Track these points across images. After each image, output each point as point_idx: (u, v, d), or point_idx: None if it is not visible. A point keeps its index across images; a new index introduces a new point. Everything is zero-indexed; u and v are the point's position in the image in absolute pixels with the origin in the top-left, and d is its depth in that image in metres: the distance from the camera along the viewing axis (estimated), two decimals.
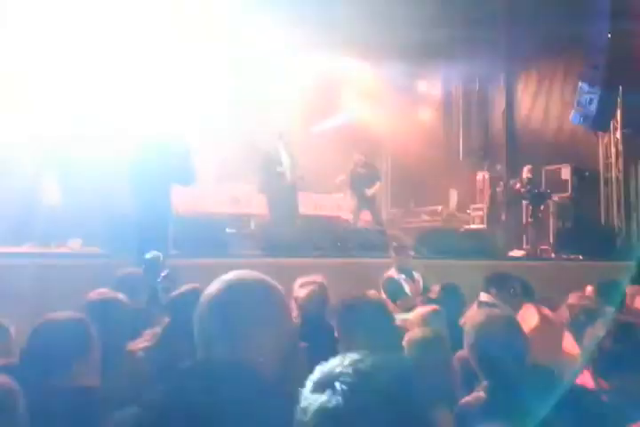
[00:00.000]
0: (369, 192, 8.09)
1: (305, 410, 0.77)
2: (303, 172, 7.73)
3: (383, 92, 11.62)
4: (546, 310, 2.31)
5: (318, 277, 3.19)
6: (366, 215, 8.61)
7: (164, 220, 4.00)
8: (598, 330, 1.87)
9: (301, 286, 3.13)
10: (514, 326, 1.81)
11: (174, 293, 2.68)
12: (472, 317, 1.90)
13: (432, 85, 12.60)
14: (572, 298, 2.60)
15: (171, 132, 4.09)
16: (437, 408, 1.60)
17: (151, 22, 5.08)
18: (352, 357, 0.81)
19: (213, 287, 1.22)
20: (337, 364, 0.80)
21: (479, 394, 1.72)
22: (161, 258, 3.69)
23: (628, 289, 3.45)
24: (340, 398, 0.74)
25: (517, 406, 1.57)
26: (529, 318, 2.09)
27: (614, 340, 1.80)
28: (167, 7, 5.33)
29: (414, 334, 2.35)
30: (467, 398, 1.74)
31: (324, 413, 0.74)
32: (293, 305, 3.11)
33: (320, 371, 0.80)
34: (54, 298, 2.61)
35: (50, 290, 3.17)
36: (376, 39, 10.18)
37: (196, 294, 2.60)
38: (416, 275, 5.10)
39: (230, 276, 1.23)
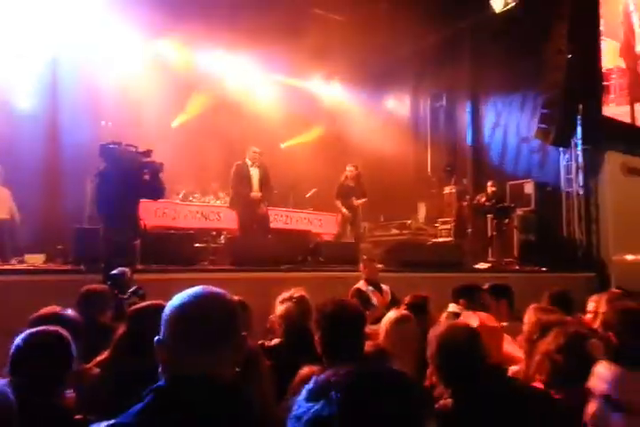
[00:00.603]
0: (356, 202, 8.04)
1: (299, 418, 0.77)
2: (275, 187, 7.75)
3: (353, 110, 11.84)
4: (484, 316, 2.38)
5: (299, 291, 3.17)
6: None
7: (132, 235, 3.94)
8: (551, 341, 1.93)
9: (282, 302, 3.11)
10: (473, 336, 1.86)
11: (135, 306, 2.62)
12: (434, 328, 1.95)
13: (401, 103, 12.87)
14: (530, 311, 2.67)
15: (141, 147, 4.07)
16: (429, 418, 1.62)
17: None
18: (348, 366, 0.81)
19: (176, 302, 1.21)
20: (332, 373, 0.80)
21: (447, 401, 1.76)
22: (128, 273, 3.62)
23: (590, 298, 3.55)
24: (334, 408, 0.74)
25: (483, 411, 1.61)
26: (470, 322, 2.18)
27: (565, 352, 1.86)
28: None
29: (390, 314, 2.62)
30: (437, 406, 1.77)
31: (317, 421, 0.74)
32: (276, 321, 3.10)
33: (315, 380, 0.80)
34: (16, 316, 2.52)
35: (11, 308, 3.06)
36: (345, 60, 10.42)
37: (157, 309, 2.57)
38: (385, 287, 5.15)
39: (191, 291, 1.23)
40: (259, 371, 1.97)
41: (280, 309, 3.04)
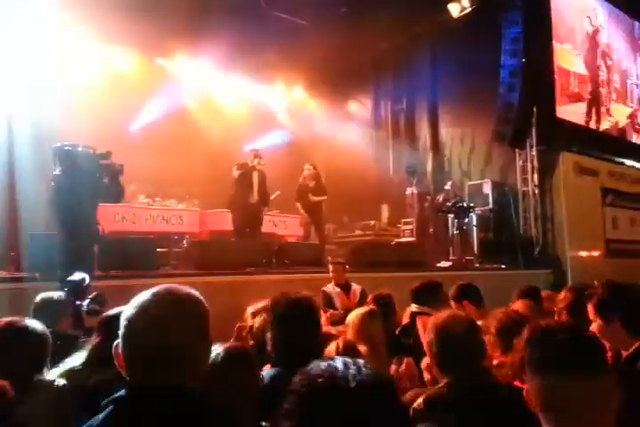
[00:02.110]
0: (313, 198, 7.94)
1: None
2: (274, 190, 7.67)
3: (315, 113, 11.88)
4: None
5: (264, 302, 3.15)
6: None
7: (90, 240, 3.82)
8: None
9: (254, 314, 3.08)
10: (473, 327, 1.88)
11: (106, 314, 2.54)
12: (435, 317, 1.95)
13: (362, 106, 12.99)
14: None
15: (99, 150, 3.94)
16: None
17: None
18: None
19: (131, 308, 1.14)
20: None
21: (441, 390, 1.77)
22: (87, 280, 3.50)
23: (543, 294, 3.67)
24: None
25: (478, 401, 1.64)
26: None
27: (535, 346, 1.91)
28: None
29: (358, 310, 2.72)
30: (429, 393, 1.77)
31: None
32: (246, 334, 3.06)
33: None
34: None
35: None
36: (307, 64, 10.44)
37: None
38: (355, 288, 5.11)
39: (155, 289, 1.15)
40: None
41: (255, 321, 3.01)
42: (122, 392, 1.10)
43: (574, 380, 1.10)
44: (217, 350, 1.80)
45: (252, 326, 3.07)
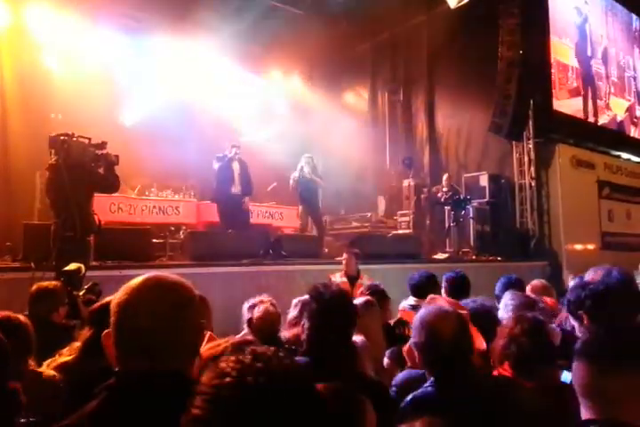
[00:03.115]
0: (315, 179, 7.78)
1: None
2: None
3: (312, 104, 11.81)
4: (452, 302, 2.44)
5: (264, 297, 3.16)
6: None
7: (86, 230, 3.79)
8: (514, 326, 1.96)
9: (251, 307, 3.08)
10: (463, 324, 1.83)
11: (96, 304, 2.52)
12: (423, 313, 1.88)
13: (359, 97, 12.93)
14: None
15: (94, 140, 3.91)
16: None
17: None
18: None
19: (121, 292, 1.12)
20: None
21: (427, 389, 1.74)
22: (82, 270, 3.48)
23: (534, 283, 3.67)
24: None
25: (467, 400, 1.61)
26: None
27: (530, 336, 1.91)
28: None
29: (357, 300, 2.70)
30: (416, 393, 1.74)
31: None
32: (246, 327, 3.07)
33: None
34: None
35: None
36: (304, 54, 10.37)
37: None
38: (363, 281, 4.98)
39: (139, 279, 1.14)
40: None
41: (254, 313, 3.05)
42: (113, 379, 1.09)
43: (628, 369, 1.11)
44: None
45: (250, 319, 3.07)
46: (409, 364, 2.20)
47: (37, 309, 3.00)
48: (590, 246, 9.99)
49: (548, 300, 3.23)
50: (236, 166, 7.15)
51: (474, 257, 8.74)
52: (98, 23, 8.69)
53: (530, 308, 2.43)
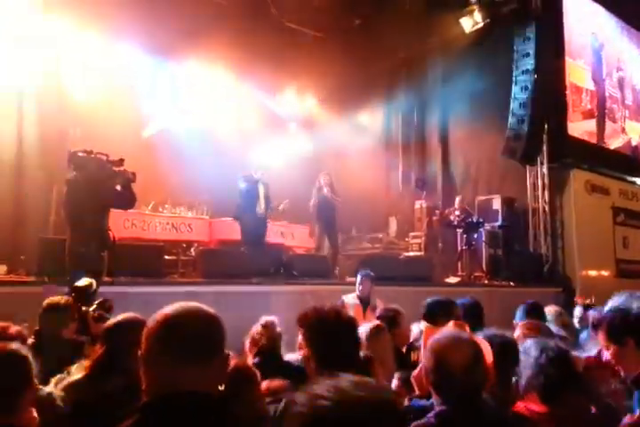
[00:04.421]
0: (334, 197, 7.82)
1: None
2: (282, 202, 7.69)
3: (325, 123, 11.94)
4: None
5: (269, 318, 3.17)
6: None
7: (100, 246, 3.83)
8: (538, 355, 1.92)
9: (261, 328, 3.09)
10: (477, 352, 1.74)
11: (110, 321, 2.53)
12: (435, 340, 1.79)
13: (373, 118, 13.03)
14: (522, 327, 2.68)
15: (112, 154, 3.98)
16: None
17: None
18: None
19: (160, 317, 1.19)
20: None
21: (429, 420, 1.66)
22: (94, 286, 3.50)
23: (553, 310, 3.61)
24: None
25: None
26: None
27: (555, 366, 1.86)
28: None
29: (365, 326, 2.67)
30: (418, 423, 1.66)
31: None
32: (249, 346, 3.05)
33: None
34: None
35: None
36: (318, 75, 10.53)
37: (133, 322, 2.49)
38: (375, 305, 4.89)
39: (175, 306, 1.22)
40: (249, 387, 1.89)
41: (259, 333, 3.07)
42: (147, 400, 1.12)
43: None
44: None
45: (259, 340, 3.04)
46: (416, 391, 2.15)
47: (48, 324, 3.01)
48: (605, 273, 9.85)
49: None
50: (261, 188, 7.29)
51: (486, 282, 8.64)
52: (118, 40, 8.91)
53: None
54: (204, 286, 5.28)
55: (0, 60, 7.38)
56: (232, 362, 1.85)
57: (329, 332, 1.84)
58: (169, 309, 1.20)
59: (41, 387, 2.15)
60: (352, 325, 1.96)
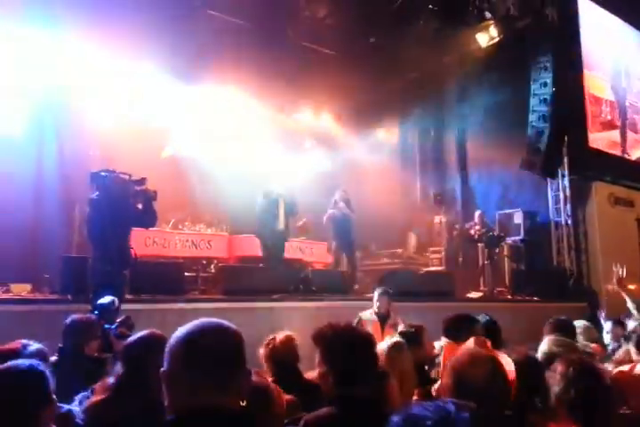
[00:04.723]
0: (350, 214, 7.83)
1: None
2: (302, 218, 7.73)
3: (342, 140, 12.03)
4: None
5: (283, 332, 3.13)
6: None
7: (122, 263, 3.90)
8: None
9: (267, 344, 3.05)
10: (496, 368, 1.72)
11: (130, 339, 2.55)
12: (454, 357, 1.78)
13: (389, 134, 13.09)
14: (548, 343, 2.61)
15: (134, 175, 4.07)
16: None
17: None
18: None
19: (182, 333, 1.20)
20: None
21: None
22: (116, 303, 3.55)
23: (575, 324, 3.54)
24: None
25: None
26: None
27: (584, 380, 1.82)
28: None
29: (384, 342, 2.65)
30: None
31: None
32: (266, 362, 3.04)
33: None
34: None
35: None
36: (334, 92, 10.64)
37: (153, 339, 2.52)
38: (394, 321, 4.89)
39: (196, 322, 1.23)
40: (269, 402, 1.89)
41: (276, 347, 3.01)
42: (171, 416, 1.13)
43: None
44: None
45: (277, 356, 3.03)
46: None
47: (71, 341, 3.06)
48: (631, 287, 9.59)
49: (593, 345, 3.08)
50: (281, 203, 7.30)
51: (509, 297, 8.51)
52: (137, 62, 9.15)
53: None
54: (223, 303, 5.30)
55: (20, 82, 7.62)
56: (253, 378, 1.87)
57: (345, 348, 1.84)
58: (190, 325, 1.21)
59: (61, 405, 2.18)
60: (368, 341, 1.95)
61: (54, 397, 1.78)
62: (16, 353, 2.22)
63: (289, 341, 3.03)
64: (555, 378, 1.89)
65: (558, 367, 1.92)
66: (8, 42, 7.37)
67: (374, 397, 1.78)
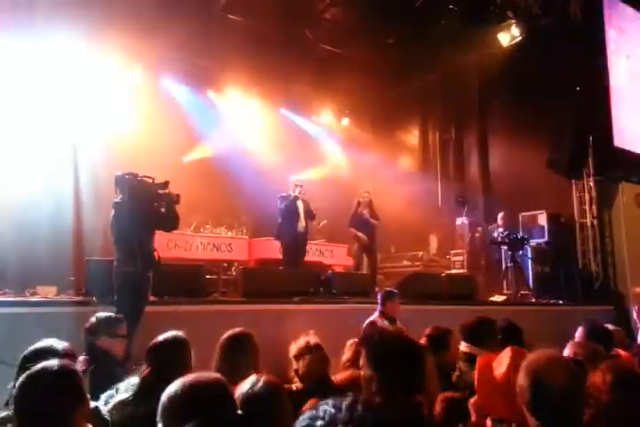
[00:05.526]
0: (372, 221, 7.84)
1: None
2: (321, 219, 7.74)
3: (361, 143, 12.05)
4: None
5: (312, 338, 3.09)
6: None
7: (146, 266, 3.97)
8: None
9: (297, 357, 3.01)
10: (576, 373, 1.71)
11: (154, 340, 2.61)
12: (529, 361, 1.74)
13: (410, 135, 13.06)
14: (571, 347, 2.53)
15: (158, 180, 4.14)
16: None
17: None
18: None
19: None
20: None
21: None
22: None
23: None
24: None
25: None
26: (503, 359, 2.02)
27: (624, 391, 1.78)
28: None
29: None
30: None
31: None
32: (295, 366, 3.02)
33: None
34: (27, 348, 2.52)
35: (23, 340, 3.06)
36: (353, 94, 10.67)
37: (177, 341, 2.57)
38: (398, 322, 5.03)
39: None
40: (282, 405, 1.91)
41: (300, 364, 2.99)
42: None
43: None
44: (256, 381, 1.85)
45: (297, 370, 3.02)
46: (474, 418, 2.08)
47: (95, 340, 3.12)
48: None
49: (622, 353, 3.00)
50: (300, 206, 7.35)
51: (533, 300, 8.41)
52: (159, 68, 9.32)
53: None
54: (244, 305, 5.36)
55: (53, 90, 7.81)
56: (264, 379, 1.89)
57: (393, 354, 1.84)
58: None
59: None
60: (416, 347, 1.95)
61: (88, 395, 1.84)
62: (48, 352, 2.29)
63: (318, 348, 3.03)
64: (596, 387, 1.82)
65: (603, 376, 1.85)
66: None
67: (419, 403, 1.78)
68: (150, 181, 4.09)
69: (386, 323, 4.94)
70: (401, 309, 5.15)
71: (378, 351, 1.86)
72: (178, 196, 4.13)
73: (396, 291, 5.32)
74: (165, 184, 4.09)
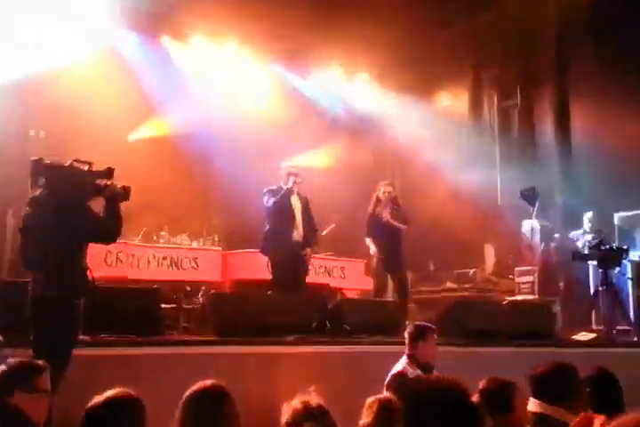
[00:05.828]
0: (397, 225, 7.86)
1: None
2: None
3: (387, 114, 12.10)
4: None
5: (313, 399, 3.09)
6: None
7: (74, 291, 3.96)
8: None
9: (292, 423, 3.02)
10: None
11: (93, 401, 2.67)
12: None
13: (456, 103, 13.12)
14: None
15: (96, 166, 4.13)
16: None
17: None
18: None
19: None
20: None
21: None
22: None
23: None
24: None
25: None
26: None
27: None
28: None
29: None
30: None
31: None
32: None
33: None
34: None
35: None
36: (375, 44, 10.69)
37: (120, 401, 2.60)
38: (435, 371, 4.99)
39: None
40: None
41: None
42: None
43: None
44: None
45: None
46: None
47: (5, 396, 3.13)
48: None
49: None
50: (296, 203, 7.34)
51: (635, 339, 8.45)
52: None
53: None
54: (216, 347, 5.37)
55: None
56: None
57: (437, 416, 1.85)
58: None
59: None
60: (470, 406, 1.97)
61: None
62: None
63: (323, 412, 3.03)
64: None
65: None
66: None
67: None
68: (85, 168, 4.08)
69: (418, 372, 4.93)
70: (439, 351, 5.14)
71: (414, 413, 1.85)
72: (126, 189, 4.11)
73: (431, 326, 5.31)
74: (108, 173, 4.06)
